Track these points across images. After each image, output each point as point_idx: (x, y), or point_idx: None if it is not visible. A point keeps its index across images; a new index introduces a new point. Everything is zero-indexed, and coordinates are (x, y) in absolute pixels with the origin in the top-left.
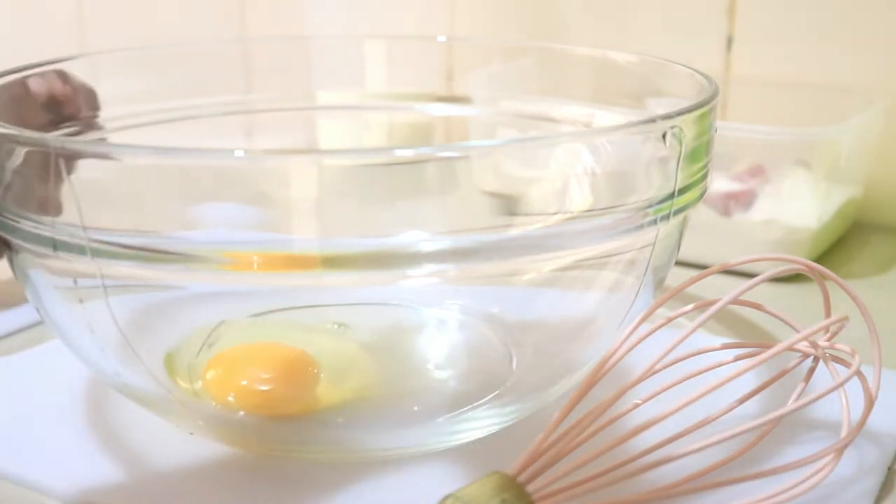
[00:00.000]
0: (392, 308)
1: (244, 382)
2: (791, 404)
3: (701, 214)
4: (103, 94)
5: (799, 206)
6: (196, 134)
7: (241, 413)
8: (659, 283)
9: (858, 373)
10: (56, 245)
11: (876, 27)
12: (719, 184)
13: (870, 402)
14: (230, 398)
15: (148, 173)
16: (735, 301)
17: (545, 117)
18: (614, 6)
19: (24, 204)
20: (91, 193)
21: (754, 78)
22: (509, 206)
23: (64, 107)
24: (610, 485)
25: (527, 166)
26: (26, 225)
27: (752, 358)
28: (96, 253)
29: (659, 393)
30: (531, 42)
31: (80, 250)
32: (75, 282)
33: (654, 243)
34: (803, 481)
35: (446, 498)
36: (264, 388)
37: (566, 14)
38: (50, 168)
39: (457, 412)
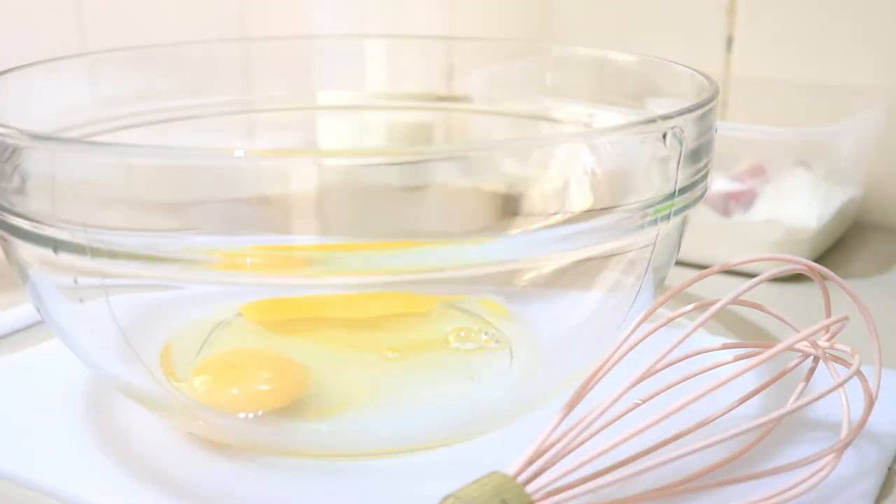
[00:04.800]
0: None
1: (234, 391)
2: (791, 404)
3: (701, 214)
4: (103, 94)
5: (799, 206)
6: (196, 134)
7: (240, 414)
8: (659, 283)
9: (858, 373)
10: (56, 245)
11: (876, 27)
12: (719, 184)
13: (870, 402)
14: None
15: (148, 173)
16: (735, 301)
17: (545, 117)
18: (614, 6)
19: (25, 203)
20: (91, 193)
21: (754, 78)
22: (509, 206)
23: None
24: (610, 485)
25: (527, 166)
26: (26, 224)
27: (752, 358)
28: (96, 253)
29: (659, 393)
30: (531, 42)
31: (80, 250)
32: (75, 281)
33: (655, 243)
34: (803, 481)
35: (446, 498)
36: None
37: (566, 14)
38: (50, 167)
39: (457, 412)
